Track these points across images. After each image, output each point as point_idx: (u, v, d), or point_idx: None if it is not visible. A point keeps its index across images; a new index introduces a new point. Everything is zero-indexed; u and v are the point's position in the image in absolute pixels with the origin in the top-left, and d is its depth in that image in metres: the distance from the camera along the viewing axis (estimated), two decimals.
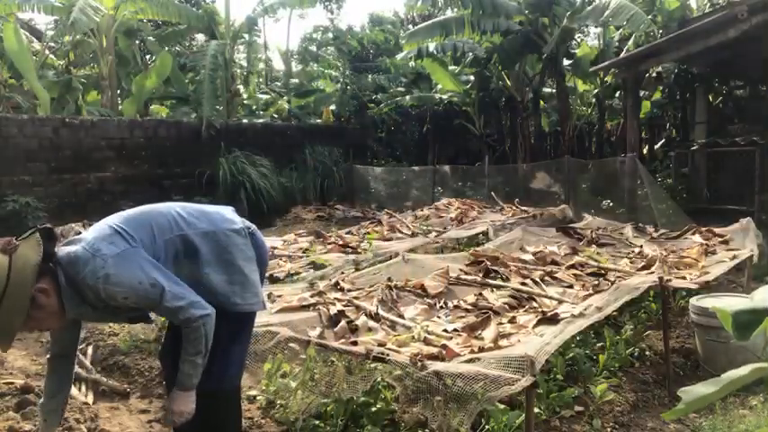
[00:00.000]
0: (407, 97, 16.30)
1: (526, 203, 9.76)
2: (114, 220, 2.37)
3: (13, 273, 2.06)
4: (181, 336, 2.34)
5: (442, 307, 3.73)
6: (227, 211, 2.64)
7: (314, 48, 21.29)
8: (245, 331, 2.59)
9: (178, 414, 2.35)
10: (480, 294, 3.93)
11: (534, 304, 3.78)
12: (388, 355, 2.74)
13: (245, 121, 15.34)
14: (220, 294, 2.42)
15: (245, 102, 17.42)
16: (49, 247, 2.19)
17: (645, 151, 14.40)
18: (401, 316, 3.52)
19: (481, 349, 2.89)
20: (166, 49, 15.09)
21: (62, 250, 2.23)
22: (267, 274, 4.57)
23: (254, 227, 2.67)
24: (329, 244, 6.22)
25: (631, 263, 4.95)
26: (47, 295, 2.14)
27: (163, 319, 3.31)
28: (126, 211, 2.49)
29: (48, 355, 2.56)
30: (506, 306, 3.71)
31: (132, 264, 2.21)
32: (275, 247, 5.91)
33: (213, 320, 2.31)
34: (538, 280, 4.27)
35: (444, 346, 2.92)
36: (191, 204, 2.64)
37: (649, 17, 11.22)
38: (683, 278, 4.34)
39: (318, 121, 17.32)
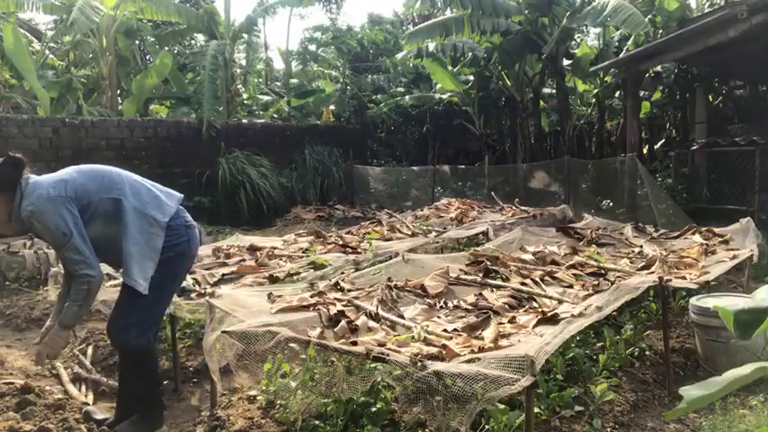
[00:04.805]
0: (407, 97, 16.29)
1: (526, 203, 9.75)
2: (79, 167, 3.03)
3: None
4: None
5: (442, 307, 3.72)
6: (170, 200, 3.14)
7: (314, 48, 21.28)
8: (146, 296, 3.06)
9: (49, 347, 2.92)
10: (480, 294, 3.93)
11: (534, 304, 3.78)
12: (388, 355, 2.73)
13: (245, 121, 15.33)
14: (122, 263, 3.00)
15: (245, 102, 17.42)
16: (13, 172, 2.82)
17: (645, 151, 14.38)
18: (401, 316, 3.51)
19: (481, 349, 2.88)
20: (166, 49, 15.09)
21: (30, 177, 2.87)
22: (267, 274, 4.58)
23: (193, 223, 3.24)
24: (329, 244, 6.20)
25: (631, 263, 4.94)
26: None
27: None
28: (97, 165, 3.14)
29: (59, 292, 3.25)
30: (506, 306, 3.70)
31: (56, 209, 2.79)
32: (275, 247, 5.90)
33: (98, 284, 2.90)
34: (538, 280, 4.27)
35: (444, 346, 2.92)
36: (144, 181, 3.16)
37: (649, 17, 11.21)
38: (683, 278, 4.33)
39: (318, 121, 17.30)
